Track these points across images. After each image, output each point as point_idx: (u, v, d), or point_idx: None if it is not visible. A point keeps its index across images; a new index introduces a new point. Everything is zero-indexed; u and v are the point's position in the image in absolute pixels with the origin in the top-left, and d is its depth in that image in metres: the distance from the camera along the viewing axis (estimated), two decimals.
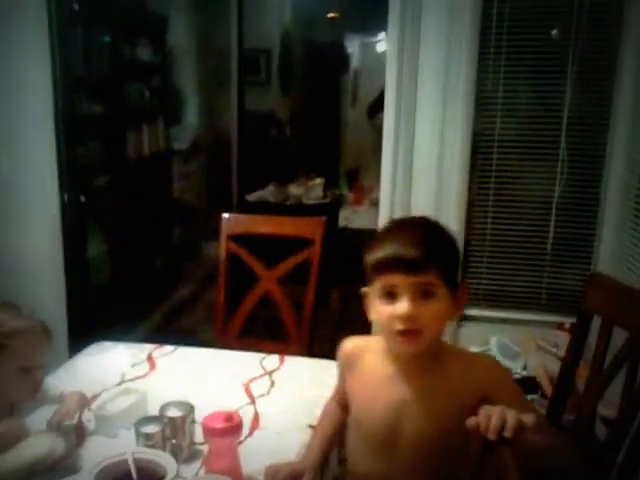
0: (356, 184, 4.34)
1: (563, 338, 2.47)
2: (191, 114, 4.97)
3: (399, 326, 1.21)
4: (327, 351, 2.15)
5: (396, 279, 1.21)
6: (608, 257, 2.57)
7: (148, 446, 1.36)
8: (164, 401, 1.54)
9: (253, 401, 1.70)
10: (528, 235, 2.70)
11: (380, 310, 1.25)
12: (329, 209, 3.95)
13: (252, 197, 4.09)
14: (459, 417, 1.10)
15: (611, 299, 1.69)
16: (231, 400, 1.68)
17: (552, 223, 2.66)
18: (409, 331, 1.21)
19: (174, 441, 1.40)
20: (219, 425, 1.31)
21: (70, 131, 2.98)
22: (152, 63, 4.44)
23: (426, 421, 1.27)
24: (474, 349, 2.49)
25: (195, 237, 4.70)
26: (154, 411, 1.54)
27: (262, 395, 1.73)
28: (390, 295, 1.23)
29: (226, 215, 2.59)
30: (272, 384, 1.80)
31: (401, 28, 2.56)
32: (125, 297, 3.73)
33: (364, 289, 1.31)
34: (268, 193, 4.20)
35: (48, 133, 2.86)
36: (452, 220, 2.59)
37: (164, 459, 1.29)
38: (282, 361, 1.96)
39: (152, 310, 4.08)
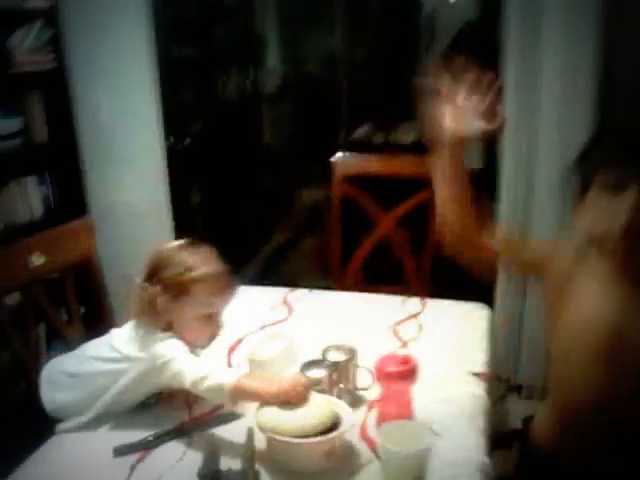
0: None
1: None
2: (276, 58, 4.83)
3: None
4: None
5: None
6: None
7: (315, 391, 1.28)
8: (310, 345, 1.49)
9: (405, 345, 1.60)
10: None
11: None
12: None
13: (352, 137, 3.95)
14: None
15: None
16: (381, 344, 1.58)
17: None
18: None
19: (341, 385, 1.32)
20: (394, 368, 1.22)
21: (167, 75, 2.89)
22: (238, 6, 4.30)
23: None
24: None
25: (288, 184, 4.61)
26: (302, 356, 1.47)
27: (413, 339, 1.63)
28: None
29: (339, 154, 2.48)
30: (420, 328, 1.70)
31: None
32: (220, 245, 3.69)
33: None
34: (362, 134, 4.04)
35: (149, 77, 2.77)
36: None
37: (337, 406, 1.22)
38: (424, 304, 1.85)
39: (248, 259, 4.03)
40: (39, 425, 1.32)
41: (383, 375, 1.23)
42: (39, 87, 2.63)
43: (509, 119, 2.39)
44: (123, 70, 2.72)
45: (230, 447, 1.18)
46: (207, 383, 1.20)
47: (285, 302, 1.87)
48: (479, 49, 3.64)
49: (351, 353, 1.35)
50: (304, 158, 4.41)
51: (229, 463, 1.10)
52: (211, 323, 1.34)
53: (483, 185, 3.21)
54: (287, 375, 1.32)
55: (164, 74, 2.89)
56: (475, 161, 3.50)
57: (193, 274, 1.29)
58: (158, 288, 1.29)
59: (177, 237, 2.94)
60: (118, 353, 1.30)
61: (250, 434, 1.13)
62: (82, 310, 1.84)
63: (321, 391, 1.27)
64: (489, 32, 2.61)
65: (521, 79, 2.34)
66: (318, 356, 1.36)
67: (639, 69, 2.29)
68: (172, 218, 2.94)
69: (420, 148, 3.70)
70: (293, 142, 4.70)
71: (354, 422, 1.18)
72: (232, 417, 1.29)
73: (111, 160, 2.79)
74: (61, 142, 2.72)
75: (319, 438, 1.12)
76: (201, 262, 1.31)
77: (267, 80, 4.72)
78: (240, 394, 1.20)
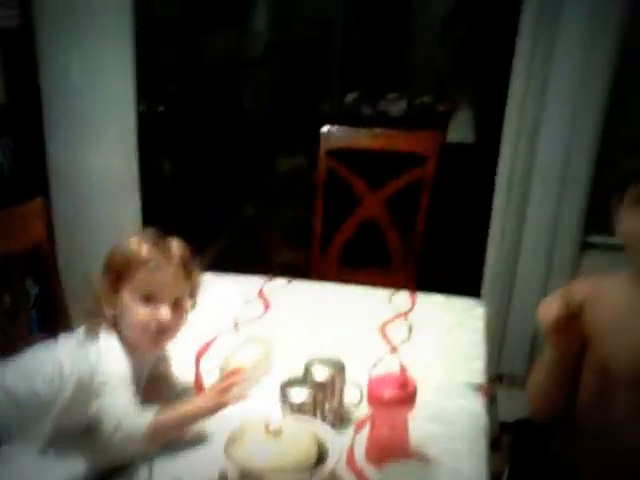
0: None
1: None
2: (264, 19, 4.55)
3: None
4: (434, 284, 1.92)
5: None
6: None
7: (297, 414, 1.13)
8: (289, 350, 1.37)
9: (394, 350, 1.46)
10: None
11: (635, 226, 1.09)
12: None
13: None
14: None
15: None
16: (369, 349, 1.44)
17: None
18: None
19: (327, 406, 1.17)
20: (391, 393, 1.06)
21: (145, 35, 2.65)
22: None
23: None
24: None
25: (266, 153, 4.39)
26: (280, 363, 1.34)
27: (403, 342, 1.49)
28: None
29: (326, 128, 2.29)
30: (410, 329, 1.55)
31: None
32: (190, 217, 3.49)
33: (616, 200, 1.13)
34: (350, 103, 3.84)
35: (125, 36, 2.50)
36: None
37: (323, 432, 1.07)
38: (414, 299, 1.70)
39: (221, 231, 3.85)
40: None
41: (376, 400, 1.07)
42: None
43: (515, 91, 2.24)
44: (96, 28, 2.44)
45: None
46: (118, 434, 1.04)
47: (261, 295, 1.71)
48: (481, 17, 3.49)
49: (338, 368, 1.20)
50: (286, 126, 4.20)
51: None
52: (152, 309, 1.14)
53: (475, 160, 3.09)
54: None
55: (141, 33, 2.64)
56: (466, 135, 3.36)
57: (130, 252, 1.15)
58: (100, 276, 1.16)
59: (144, 210, 2.79)
60: (59, 370, 1.12)
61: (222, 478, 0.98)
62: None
63: (304, 413, 1.13)
64: None
65: (535, 50, 2.19)
66: (297, 366, 1.20)
67: None
68: (140, 189, 2.74)
69: (411, 121, 3.49)
70: (276, 109, 4.47)
71: (340, 453, 1.03)
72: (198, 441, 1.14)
73: (77, 125, 2.54)
74: (22, 105, 2.49)
75: (303, 477, 0.97)
76: (145, 244, 1.16)
77: (253, 43, 4.47)
78: (161, 433, 1.06)
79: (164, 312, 1.13)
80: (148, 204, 2.81)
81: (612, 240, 2.35)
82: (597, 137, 2.24)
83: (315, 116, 3.67)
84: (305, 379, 1.18)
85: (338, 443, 1.04)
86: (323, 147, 2.27)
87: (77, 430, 1.13)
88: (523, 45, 2.22)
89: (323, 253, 2.36)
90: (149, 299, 1.13)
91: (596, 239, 2.43)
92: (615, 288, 1.19)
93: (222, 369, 1.29)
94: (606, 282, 1.21)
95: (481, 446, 1.15)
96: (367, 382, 1.10)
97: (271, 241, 3.75)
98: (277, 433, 1.01)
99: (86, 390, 1.09)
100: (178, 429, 1.09)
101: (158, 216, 2.87)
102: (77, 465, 1.08)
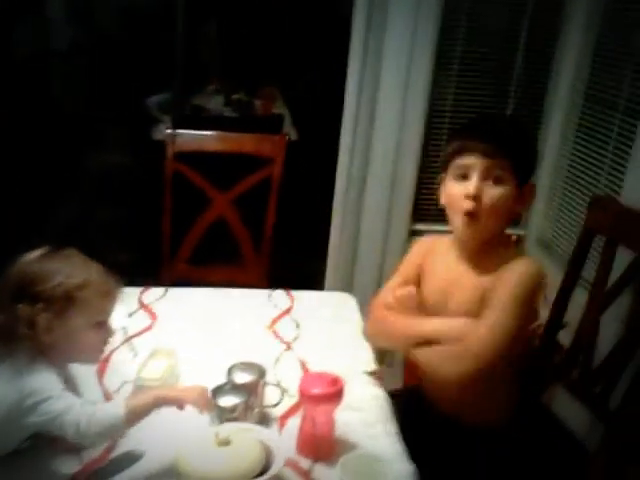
0: (262, 88, 3.97)
1: None
2: (62, 9, 4.26)
3: (466, 204, 1.33)
4: (287, 278, 2.04)
5: (471, 160, 1.34)
6: (550, 171, 2.63)
7: (229, 420, 1.18)
8: (191, 358, 1.42)
9: (289, 346, 1.55)
10: None
11: (451, 190, 1.38)
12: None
13: (152, 102, 3.68)
14: None
15: (616, 220, 1.73)
16: (267, 348, 1.52)
17: None
18: (472, 213, 1.33)
19: (256, 410, 1.23)
20: (321, 391, 1.16)
21: None
22: None
23: (467, 294, 1.40)
24: None
25: (79, 147, 4.15)
26: (186, 373, 1.37)
27: (294, 339, 1.59)
28: (463, 177, 1.36)
29: (170, 131, 2.29)
30: (297, 325, 1.65)
31: None
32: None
33: (442, 175, 1.43)
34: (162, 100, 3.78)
35: None
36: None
37: (259, 433, 1.14)
38: (291, 296, 1.80)
39: (33, 232, 3.58)
40: None
41: (309, 398, 1.16)
42: None
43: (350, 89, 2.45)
44: None
45: None
46: (98, 424, 1.06)
47: (142, 305, 1.70)
48: None
49: (260, 372, 1.27)
50: (100, 121, 4.02)
51: None
52: (102, 332, 1.18)
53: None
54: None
55: None
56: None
57: (76, 280, 1.12)
58: (39, 306, 1.10)
59: None
60: None
61: None
62: None
63: (234, 419, 1.18)
64: None
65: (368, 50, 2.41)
66: (204, 374, 1.30)
67: None
68: None
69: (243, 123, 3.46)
70: (88, 103, 4.24)
71: (285, 452, 1.11)
72: (133, 459, 1.15)
73: None
74: None
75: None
76: (78, 266, 1.16)
77: (56, 33, 4.18)
78: (134, 417, 1.10)
79: (111, 331, 1.18)
80: None
81: (434, 227, 2.68)
82: (421, 143, 2.53)
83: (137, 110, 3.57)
84: (231, 386, 1.23)
85: (278, 443, 1.12)
86: (170, 150, 2.27)
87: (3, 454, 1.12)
88: (357, 45, 2.42)
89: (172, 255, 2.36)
90: (100, 324, 1.15)
91: (420, 226, 2.73)
92: (443, 244, 1.51)
93: (138, 386, 1.30)
94: (440, 240, 1.54)
95: (393, 426, 1.29)
96: (299, 381, 1.19)
97: (98, 243, 3.59)
98: (226, 442, 1.06)
99: (18, 410, 1.07)
100: (147, 411, 1.11)
101: None
102: None
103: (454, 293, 1.43)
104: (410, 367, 1.64)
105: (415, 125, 2.49)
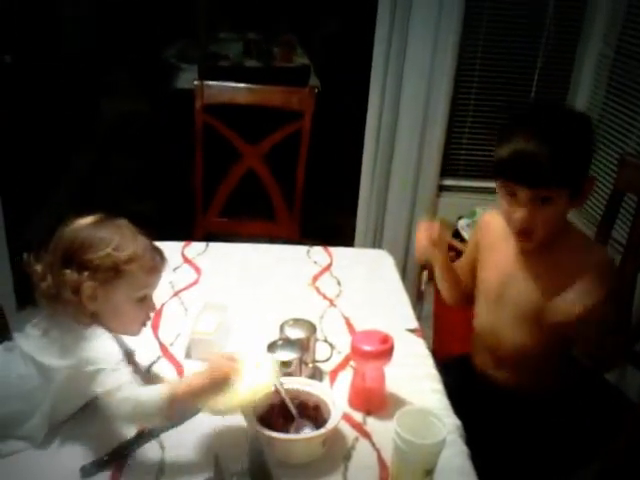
0: (280, 36, 3.90)
1: None
2: None
3: (518, 226, 1.32)
4: (318, 231, 2.07)
5: (518, 188, 1.28)
6: None
7: (285, 374, 1.23)
8: (239, 313, 1.46)
9: (332, 303, 1.59)
10: (510, 102, 2.67)
11: (502, 203, 1.35)
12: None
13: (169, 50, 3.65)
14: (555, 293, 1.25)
15: None
16: (311, 305, 1.56)
17: (533, 89, 2.66)
18: (523, 232, 1.33)
19: (310, 365, 1.29)
20: (374, 348, 1.21)
21: None
22: None
23: (528, 285, 1.39)
24: (461, 222, 2.51)
25: (89, 96, 4.11)
26: (239, 325, 1.42)
27: (337, 295, 1.63)
28: (511, 195, 1.31)
29: (198, 82, 2.27)
30: (338, 282, 1.69)
31: None
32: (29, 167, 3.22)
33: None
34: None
35: None
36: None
37: (315, 387, 1.20)
38: (329, 253, 1.83)
39: (58, 184, 3.59)
40: None
41: (362, 354, 1.21)
42: None
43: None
44: None
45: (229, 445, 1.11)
46: (142, 406, 1.07)
47: (186, 259, 1.74)
48: None
49: (311, 328, 1.32)
50: (107, 65, 3.97)
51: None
52: (145, 306, 1.19)
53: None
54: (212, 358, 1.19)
55: None
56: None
57: (125, 253, 1.12)
58: (85, 274, 1.11)
59: None
60: (35, 366, 1.11)
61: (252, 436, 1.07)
62: None
63: (289, 374, 1.23)
64: None
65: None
66: (254, 328, 1.38)
67: None
68: None
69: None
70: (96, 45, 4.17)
71: (342, 407, 1.16)
72: (195, 410, 1.20)
73: None
74: None
75: (317, 432, 1.10)
76: (128, 238, 1.15)
77: None
78: (176, 404, 1.09)
79: (154, 306, 1.20)
80: None
81: (463, 182, 2.69)
82: (450, 97, 2.52)
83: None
84: (285, 341, 1.28)
85: (334, 398, 1.17)
86: (199, 102, 2.27)
87: (69, 416, 1.15)
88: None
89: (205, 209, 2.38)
90: (144, 299, 1.16)
91: (449, 182, 2.74)
92: (499, 223, 1.44)
93: (192, 340, 1.35)
94: (497, 216, 1.46)
95: (438, 383, 1.34)
96: (351, 338, 1.24)
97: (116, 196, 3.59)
98: None
99: (79, 378, 1.09)
100: (193, 399, 1.11)
101: None
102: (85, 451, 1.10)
103: (513, 283, 1.42)
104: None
105: (444, 83, 2.49)
